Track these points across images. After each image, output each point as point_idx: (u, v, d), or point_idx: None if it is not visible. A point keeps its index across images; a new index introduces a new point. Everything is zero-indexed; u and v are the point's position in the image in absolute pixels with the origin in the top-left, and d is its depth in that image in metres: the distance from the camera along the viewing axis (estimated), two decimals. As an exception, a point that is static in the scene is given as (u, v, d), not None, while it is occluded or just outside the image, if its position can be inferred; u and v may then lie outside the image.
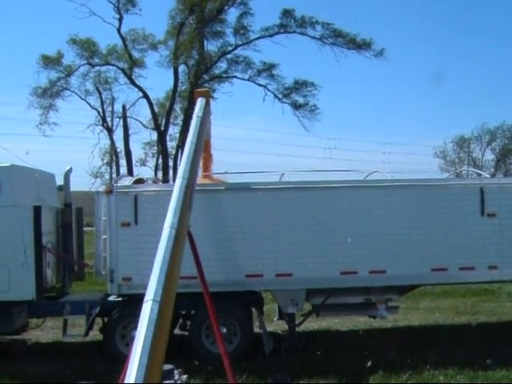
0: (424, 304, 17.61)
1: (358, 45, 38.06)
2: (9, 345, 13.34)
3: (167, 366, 6.79)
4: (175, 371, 7.00)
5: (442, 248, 11.74)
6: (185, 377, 7.13)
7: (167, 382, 6.69)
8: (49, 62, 38.83)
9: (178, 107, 41.82)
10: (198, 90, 14.16)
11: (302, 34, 38.52)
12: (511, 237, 11.89)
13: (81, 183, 45.72)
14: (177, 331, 12.28)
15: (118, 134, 43.10)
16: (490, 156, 69.10)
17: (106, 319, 12.03)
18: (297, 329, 12.36)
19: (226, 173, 13.72)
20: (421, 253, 11.70)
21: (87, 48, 38.97)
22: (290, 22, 38.25)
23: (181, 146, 35.71)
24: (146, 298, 5.69)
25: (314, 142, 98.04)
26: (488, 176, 14.02)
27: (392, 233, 11.65)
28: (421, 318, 15.64)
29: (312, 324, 14.36)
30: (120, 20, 38.89)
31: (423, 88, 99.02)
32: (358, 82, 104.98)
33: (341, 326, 14.71)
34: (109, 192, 11.55)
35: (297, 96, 39.89)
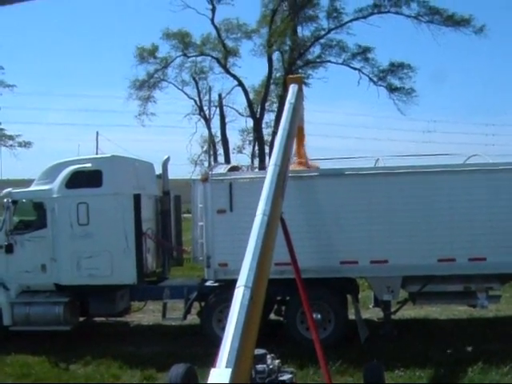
0: (529, 293, 16.81)
1: (457, 22, 36.56)
2: (112, 326, 13.99)
3: (260, 351, 6.90)
4: (268, 356, 7.09)
5: (547, 235, 11.14)
6: (277, 361, 7.19)
7: (259, 365, 6.78)
8: (145, 54, 40.02)
9: (273, 94, 41.97)
10: (291, 76, 14.14)
11: (396, 13, 37.53)
12: None
13: (181, 171, 47.07)
14: (272, 316, 12.43)
15: (215, 123, 43.84)
16: None
17: (203, 303, 12.33)
18: (393, 316, 12.18)
19: (319, 159, 13.67)
20: (525, 239, 11.15)
21: (181, 39, 39.82)
22: (383, 2, 37.34)
23: (276, 132, 35.82)
24: (238, 284, 5.82)
25: (413, 125, 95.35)
26: None
27: (493, 218, 11.18)
28: (525, 307, 14.96)
29: (409, 312, 14.07)
30: (213, 10, 39.45)
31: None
32: (457, 60, 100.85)
33: (439, 315, 14.32)
34: (204, 180, 11.80)
35: (392, 79, 39.03)
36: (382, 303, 11.86)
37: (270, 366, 6.95)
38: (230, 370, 4.75)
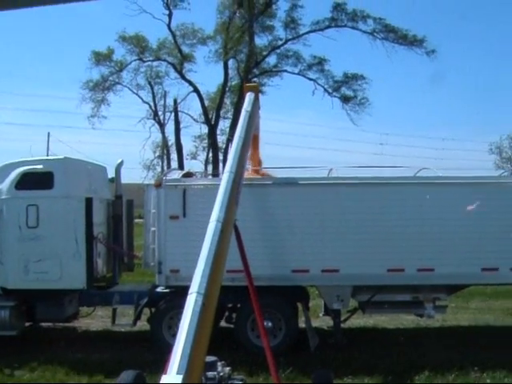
0: (474, 304, 17.24)
1: (410, 41, 37.47)
2: (60, 332, 13.72)
3: (210, 358, 6.86)
4: (218, 363, 7.06)
5: (493, 247, 11.47)
6: (228, 369, 7.16)
7: (210, 372, 6.75)
8: (100, 58, 39.63)
9: (228, 101, 42.06)
10: (247, 84, 14.22)
11: (353, 28, 38.14)
12: None
13: (134, 175, 46.60)
14: (223, 324, 12.41)
15: (170, 128, 43.67)
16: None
17: (153, 310, 12.23)
18: (342, 325, 12.32)
19: (274, 168, 13.76)
20: (471, 251, 11.45)
21: (137, 44, 39.57)
22: (341, 16, 37.93)
23: (231, 139, 35.84)
24: (190, 290, 5.78)
25: (366, 137, 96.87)
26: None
27: (441, 231, 11.45)
28: (470, 318, 15.34)
29: (358, 321, 14.27)
30: (169, 16, 39.28)
31: (477, 83, 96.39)
32: (409, 77, 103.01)
33: (388, 324, 14.56)
34: (158, 185, 11.73)
35: (346, 90, 39.62)
36: (332, 312, 11.99)
37: (221, 374, 6.92)
38: (181, 377, 4.71)
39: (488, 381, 9.66)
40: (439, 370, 10.11)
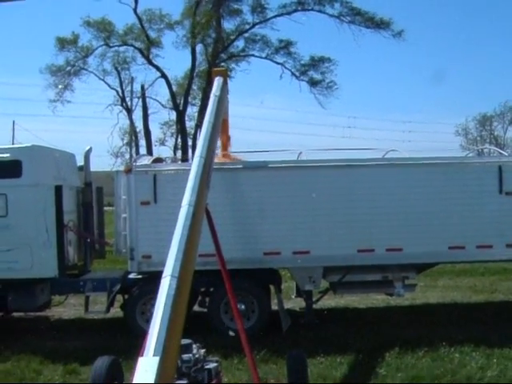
0: (442, 282, 17.64)
1: (377, 24, 37.59)
2: (32, 321, 13.65)
3: (185, 340, 6.94)
4: (193, 345, 7.15)
5: (459, 226, 11.75)
6: (203, 351, 7.25)
7: (185, 355, 6.84)
8: (65, 43, 39.00)
9: (196, 87, 41.78)
10: (216, 69, 14.22)
11: (319, 11, 38.08)
12: (530, 215, 11.84)
13: (101, 163, 46.16)
14: (196, 308, 12.49)
15: (137, 114, 43.27)
16: (512, 134, 68.27)
17: (126, 296, 12.25)
18: (314, 306, 12.51)
19: (243, 152, 13.82)
20: (438, 231, 11.72)
21: (103, 29, 39.00)
22: (307, 0, 37.89)
23: (199, 125, 35.73)
24: (164, 274, 5.84)
25: (334, 121, 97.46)
26: (507, 154, 13.89)
27: (409, 211, 11.69)
28: (438, 296, 15.69)
29: (330, 302, 14.49)
30: (136, 0, 38.80)
31: (444, 65, 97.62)
32: (376, 60, 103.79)
33: (358, 304, 14.82)
34: (128, 171, 11.72)
35: (314, 73, 39.66)
36: (304, 293, 12.17)
37: (196, 356, 7.00)
38: (157, 358, 4.78)
39: (456, 355, 9.92)
40: (409, 346, 10.34)
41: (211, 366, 7.08)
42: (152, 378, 4.64)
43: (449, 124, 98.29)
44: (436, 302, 14.87)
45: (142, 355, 4.91)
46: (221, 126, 11.39)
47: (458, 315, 12.98)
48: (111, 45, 40.18)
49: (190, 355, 6.92)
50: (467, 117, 73.00)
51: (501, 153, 14.12)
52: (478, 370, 9.24)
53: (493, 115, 67.68)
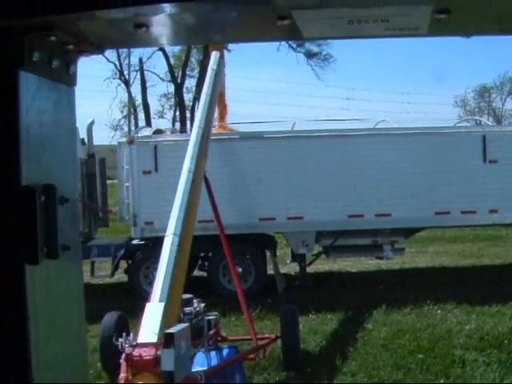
0: (432, 248, 18.30)
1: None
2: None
3: (187, 296, 7.60)
4: (194, 300, 7.80)
5: (445, 192, 12.37)
6: (203, 305, 7.90)
7: (187, 308, 7.50)
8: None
9: (193, 59, 42.15)
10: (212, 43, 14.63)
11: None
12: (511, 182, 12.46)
13: (101, 137, 46.58)
14: (195, 273, 13.16)
15: (136, 88, 43.67)
16: (510, 105, 68.48)
17: (130, 261, 12.90)
18: (309, 270, 13.20)
19: (239, 123, 14.39)
20: (425, 197, 12.33)
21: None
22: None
23: (197, 97, 36.08)
24: (167, 233, 6.51)
25: (332, 92, 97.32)
26: (491, 124, 14.49)
27: (397, 178, 12.29)
28: (428, 260, 16.36)
29: (324, 266, 15.17)
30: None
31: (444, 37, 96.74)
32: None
33: (351, 268, 15.50)
34: (130, 142, 12.30)
35: (311, 45, 40.01)
36: (297, 257, 12.85)
37: (197, 309, 7.66)
38: (162, 304, 5.46)
39: (439, 311, 10.63)
40: (396, 304, 11.05)
41: (211, 317, 7.76)
42: (158, 321, 5.32)
43: (448, 95, 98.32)
44: (425, 266, 15.54)
45: (149, 301, 5.59)
46: (218, 99, 11.93)
47: (444, 278, 13.64)
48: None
49: (191, 308, 7.57)
50: (467, 88, 73.09)
51: (485, 123, 14.70)
52: (457, 324, 9.95)
53: (492, 86, 67.78)
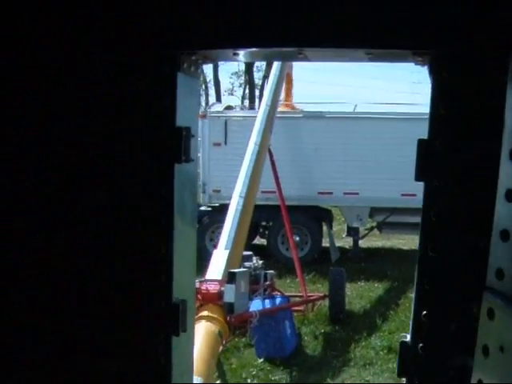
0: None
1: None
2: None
3: (247, 252, 8.70)
4: (254, 257, 8.90)
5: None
6: (261, 262, 8.98)
7: (247, 263, 8.59)
8: None
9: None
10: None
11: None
12: None
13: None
14: (256, 241, 14.24)
15: (208, 65, 44.75)
16: None
17: (197, 225, 14.06)
18: (363, 245, 14.08)
19: (304, 102, 15.32)
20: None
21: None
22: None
23: (267, 76, 36.97)
24: (233, 195, 7.62)
25: (402, 76, 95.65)
26: None
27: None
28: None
29: (377, 242, 15.95)
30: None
31: None
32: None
33: (403, 246, 16.20)
34: (203, 116, 13.42)
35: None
36: (351, 230, 13.75)
37: (255, 264, 8.75)
38: (227, 251, 6.57)
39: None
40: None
41: (268, 272, 8.86)
42: (223, 263, 6.44)
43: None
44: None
45: (216, 248, 6.71)
46: (285, 79, 12.87)
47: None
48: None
49: (251, 263, 8.67)
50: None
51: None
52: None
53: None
